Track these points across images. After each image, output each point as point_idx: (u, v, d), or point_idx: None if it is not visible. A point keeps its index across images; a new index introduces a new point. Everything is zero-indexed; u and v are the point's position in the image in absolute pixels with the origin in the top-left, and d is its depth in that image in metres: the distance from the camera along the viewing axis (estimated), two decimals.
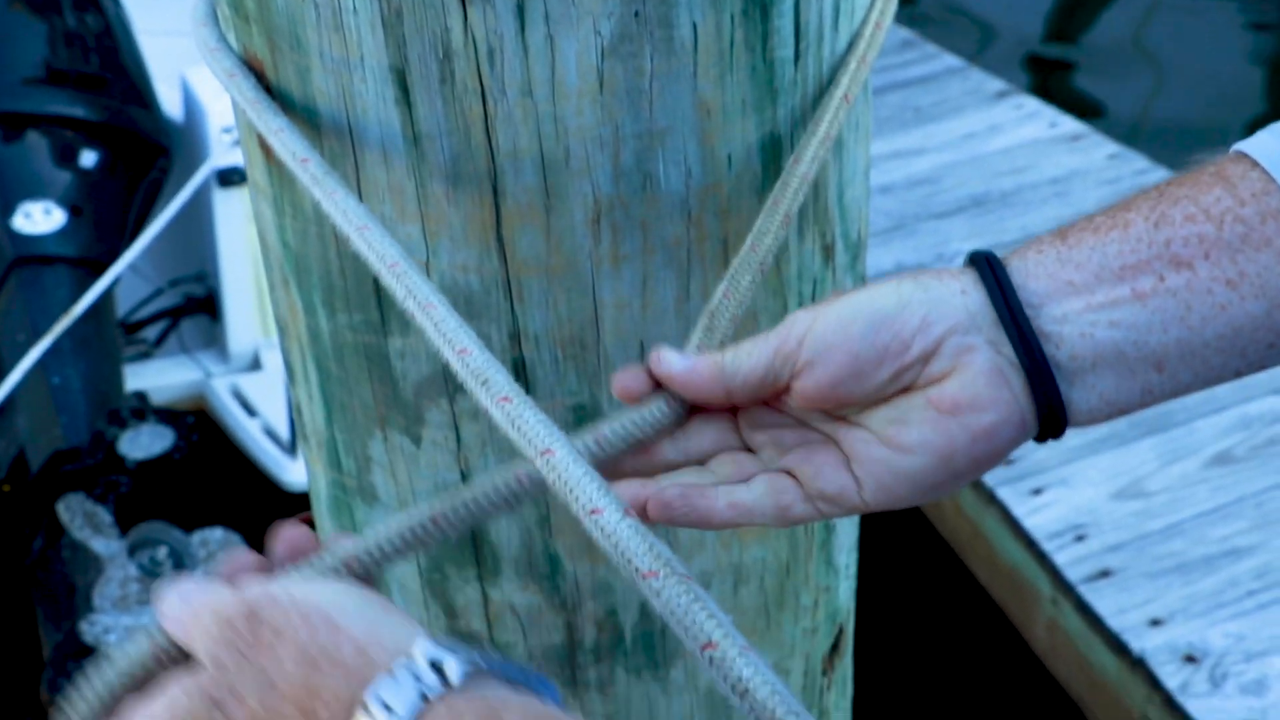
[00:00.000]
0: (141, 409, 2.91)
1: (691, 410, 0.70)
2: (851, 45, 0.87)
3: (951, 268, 0.67)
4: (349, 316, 0.87)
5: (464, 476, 0.89)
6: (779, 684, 0.51)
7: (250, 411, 3.07)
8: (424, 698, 0.52)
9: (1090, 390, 0.64)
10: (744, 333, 0.87)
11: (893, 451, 0.65)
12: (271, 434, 2.98)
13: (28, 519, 2.78)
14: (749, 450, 0.71)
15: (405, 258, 0.71)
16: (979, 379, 0.64)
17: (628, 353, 0.85)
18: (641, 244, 0.82)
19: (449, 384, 0.86)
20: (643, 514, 0.67)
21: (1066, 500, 2.62)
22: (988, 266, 0.65)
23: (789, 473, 0.68)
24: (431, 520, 0.65)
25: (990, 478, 2.68)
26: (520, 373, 0.85)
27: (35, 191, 2.96)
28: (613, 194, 0.80)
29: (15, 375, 2.23)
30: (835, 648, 1.10)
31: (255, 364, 3.24)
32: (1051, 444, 2.37)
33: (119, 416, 2.86)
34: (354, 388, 0.90)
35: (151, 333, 3.39)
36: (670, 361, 0.69)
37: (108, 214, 3.02)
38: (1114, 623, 2.34)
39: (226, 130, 2.99)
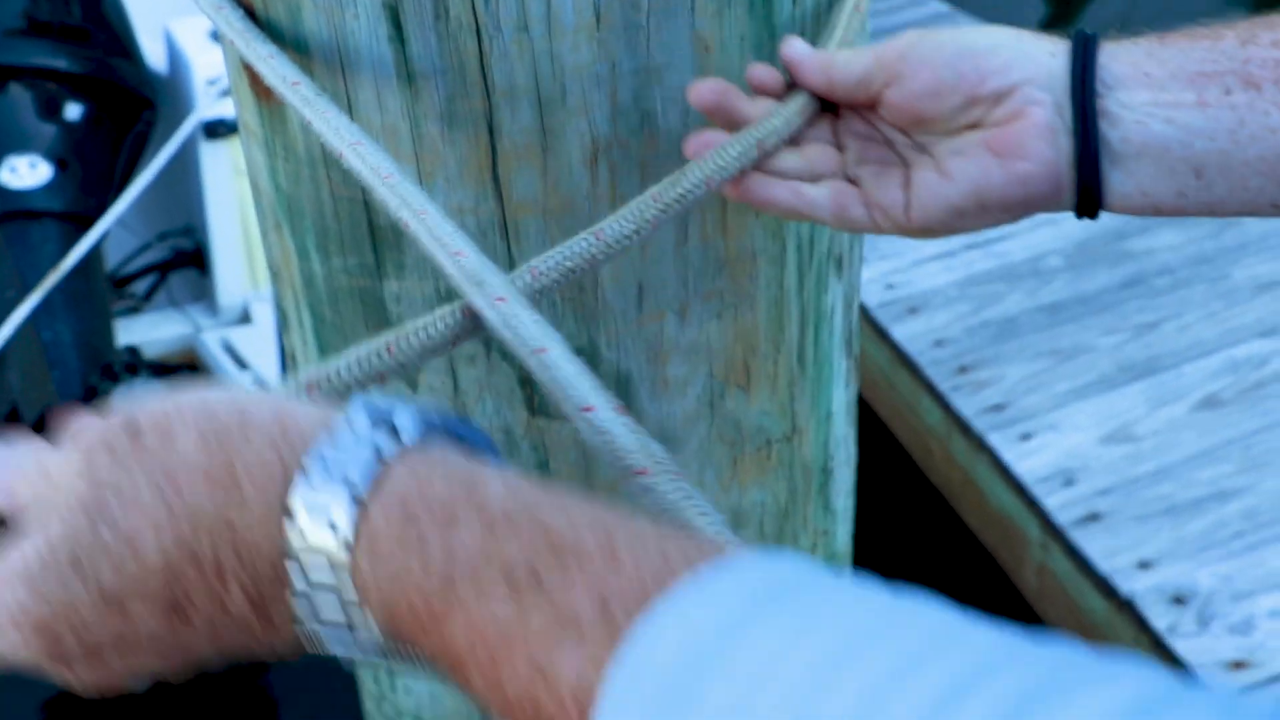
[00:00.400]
0: (134, 363, 2.89)
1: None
2: None
3: (1054, 36, 0.72)
4: (343, 260, 0.86)
5: None
6: None
7: (241, 364, 3.05)
8: (379, 457, 0.46)
9: (1130, 176, 0.68)
10: (742, 275, 0.87)
11: (938, 176, 0.71)
12: (263, 387, 2.97)
13: None
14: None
15: (399, 170, 0.71)
16: (1032, 130, 0.68)
17: (625, 296, 0.84)
18: (640, 184, 0.80)
19: None
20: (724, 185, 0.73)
21: (1055, 445, 2.62)
22: (1083, 42, 0.69)
23: (854, 182, 0.75)
24: (386, 348, 0.65)
25: (980, 423, 2.68)
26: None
27: (20, 145, 2.92)
28: (610, 133, 0.79)
29: (6, 331, 2.20)
30: None
31: (245, 317, 3.22)
32: (1040, 389, 2.38)
33: (112, 371, 2.84)
34: (349, 333, 0.89)
35: (140, 287, 3.37)
36: (797, 47, 0.75)
37: (94, 168, 2.98)
38: (1103, 566, 2.35)
39: (212, 82, 2.96)
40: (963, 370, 2.83)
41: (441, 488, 0.46)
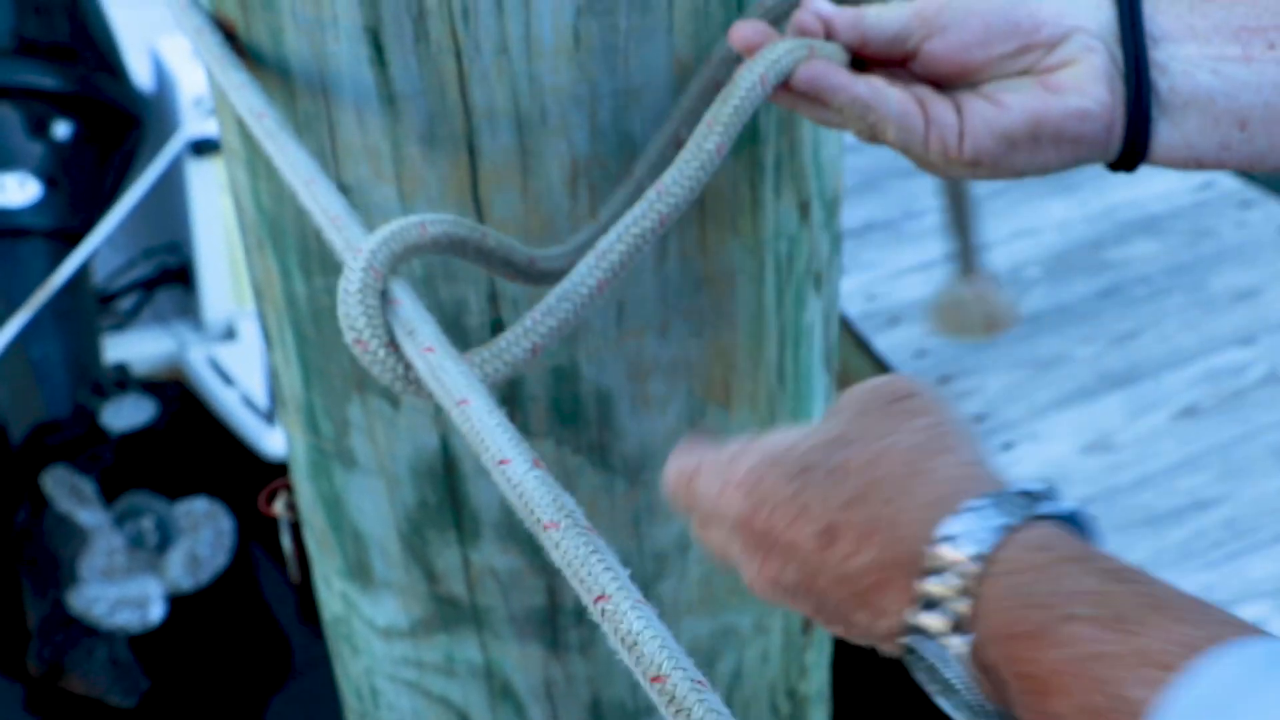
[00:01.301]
0: (124, 380, 2.89)
1: None
2: None
3: None
4: (325, 279, 0.86)
5: (443, 440, 0.89)
6: (669, 638, 0.50)
7: (227, 381, 3.05)
8: (1025, 514, 0.54)
9: (1176, 126, 0.69)
10: (721, 293, 0.87)
11: (993, 106, 0.70)
12: (250, 403, 2.97)
13: (10, 492, 2.76)
14: None
15: (348, 212, 0.70)
16: (1089, 73, 0.69)
17: (606, 313, 0.85)
18: (620, 204, 0.81)
19: None
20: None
21: (1036, 455, 2.63)
22: None
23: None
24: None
25: None
26: (499, 334, 0.84)
27: (8, 163, 2.92)
28: (590, 153, 0.79)
29: None
30: None
31: (230, 334, 3.22)
32: (1020, 399, 2.38)
33: (101, 388, 2.84)
34: (331, 352, 0.89)
35: (126, 304, 3.37)
36: (823, 5, 0.73)
37: (83, 185, 2.98)
38: None
39: (199, 100, 2.96)
40: (944, 380, 2.84)
41: (1070, 544, 0.53)
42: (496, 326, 0.84)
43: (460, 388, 0.61)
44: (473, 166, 0.79)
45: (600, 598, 0.51)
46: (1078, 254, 3.11)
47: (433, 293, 0.83)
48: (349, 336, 0.64)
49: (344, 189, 0.82)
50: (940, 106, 0.71)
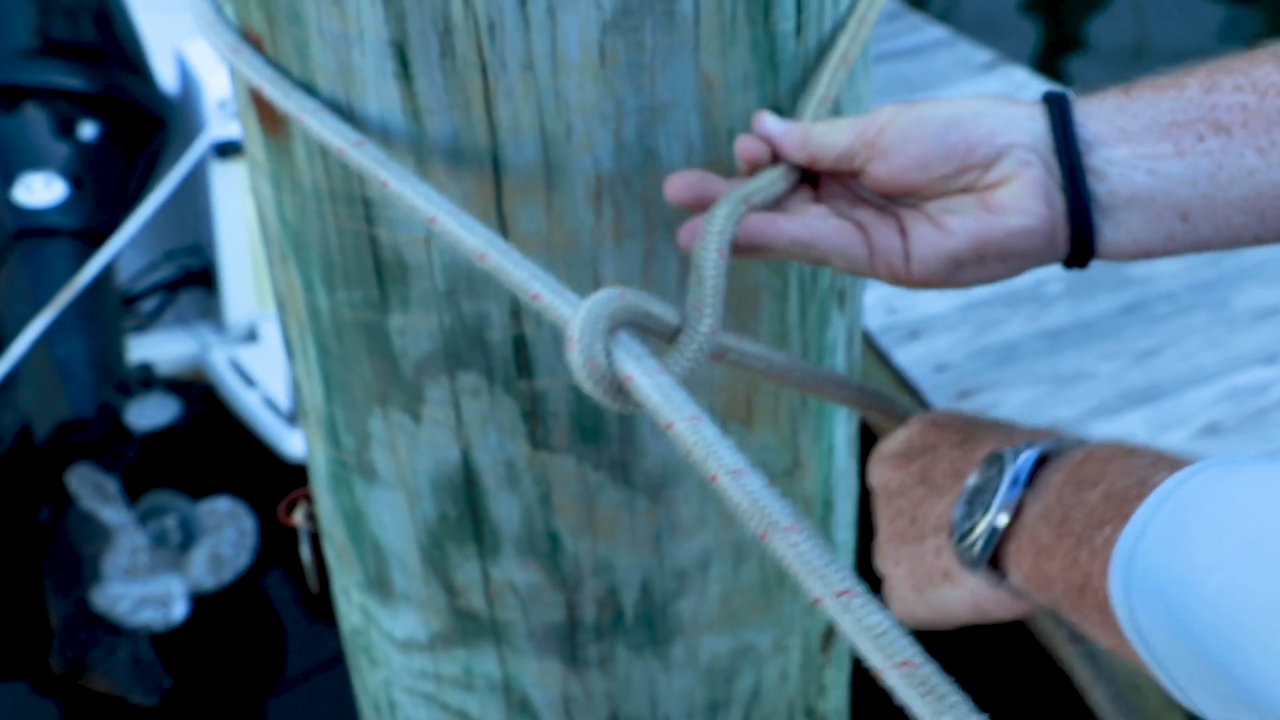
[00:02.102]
0: (149, 379, 2.90)
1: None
2: (852, 6, 0.86)
3: (1026, 99, 0.74)
4: (348, 293, 0.86)
5: (464, 454, 0.89)
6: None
7: (249, 383, 3.06)
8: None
9: (1120, 227, 0.71)
10: (745, 310, 0.87)
11: (938, 230, 0.73)
12: (271, 405, 2.98)
13: (34, 490, 2.77)
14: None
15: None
16: (1027, 189, 0.70)
17: None
18: (644, 220, 0.81)
19: (449, 361, 0.85)
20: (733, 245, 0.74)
21: None
22: (1056, 103, 0.72)
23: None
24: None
25: None
26: (521, 350, 0.84)
27: (35, 163, 2.93)
28: (614, 170, 0.79)
29: (19, 347, 2.21)
30: (834, 625, 1.10)
31: (252, 336, 3.23)
32: (1040, 415, 2.39)
33: (126, 387, 2.85)
34: (353, 365, 0.89)
35: (149, 305, 3.38)
36: (770, 123, 0.76)
37: (108, 186, 2.99)
38: None
39: (223, 103, 2.98)
40: (964, 395, 2.83)
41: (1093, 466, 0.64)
42: (519, 342, 0.84)
43: (688, 404, 0.64)
44: (497, 182, 0.79)
45: (843, 593, 0.53)
46: (1100, 270, 3.07)
47: (455, 307, 0.83)
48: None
49: (367, 203, 0.82)
50: (884, 232, 0.74)
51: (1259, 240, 0.71)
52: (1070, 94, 0.73)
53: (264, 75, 0.79)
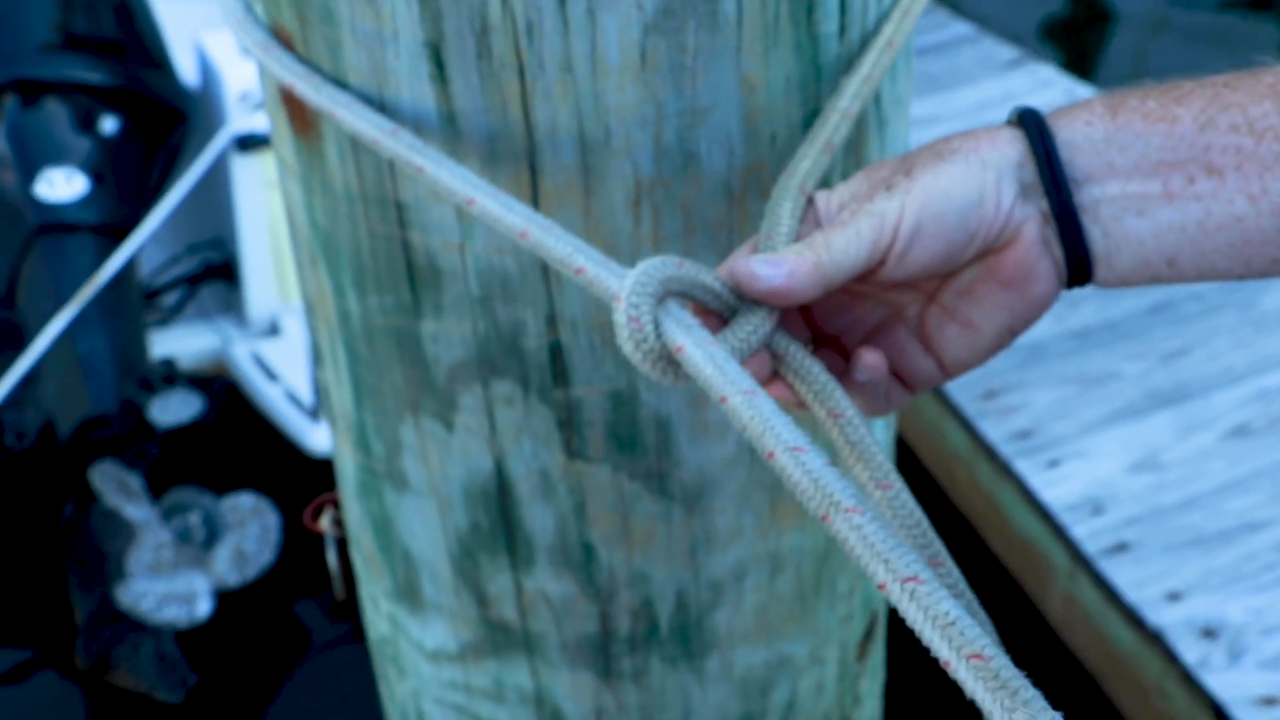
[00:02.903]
0: (171, 375, 2.89)
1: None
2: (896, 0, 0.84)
3: (1004, 130, 0.70)
4: (380, 299, 0.84)
5: (497, 463, 0.87)
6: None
7: (271, 376, 3.06)
8: None
9: (1110, 268, 0.68)
10: None
11: (965, 331, 0.71)
12: (294, 399, 2.97)
13: (58, 487, 2.77)
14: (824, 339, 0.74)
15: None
16: (1031, 249, 0.68)
17: None
18: (683, 225, 0.79)
19: (483, 368, 0.83)
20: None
21: (1083, 473, 2.60)
22: (1039, 137, 0.68)
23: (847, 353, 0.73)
24: None
25: (1006, 449, 2.66)
26: (557, 358, 0.82)
27: (56, 158, 2.93)
28: (654, 174, 0.77)
29: (42, 343, 2.20)
30: (869, 634, 1.08)
31: (274, 329, 3.23)
32: (1067, 416, 2.37)
33: (149, 383, 2.84)
34: (384, 371, 0.88)
35: (170, 299, 3.38)
36: (766, 275, 0.67)
37: (129, 180, 2.99)
38: (1131, 596, 2.32)
39: (244, 96, 2.96)
40: (989, 395, 2.80)
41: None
42: (555, 349, 0.82)
43: (743, 377, 0.61)
44: (534, 186, 0.77)
45: (910, 579, 0.51)
46: None
47: (489, 314, 0.81)
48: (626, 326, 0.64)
49: (400, 206, 0.80)
50: (917, 360, 0.72)
51: (1240, 279, 0.69)
52: (1043, 116, 0.69)
53: (295, 72, 0.77)
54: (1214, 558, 2.39)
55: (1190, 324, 2.96)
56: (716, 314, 0.68)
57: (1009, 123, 0.70)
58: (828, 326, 0.74)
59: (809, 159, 0.74)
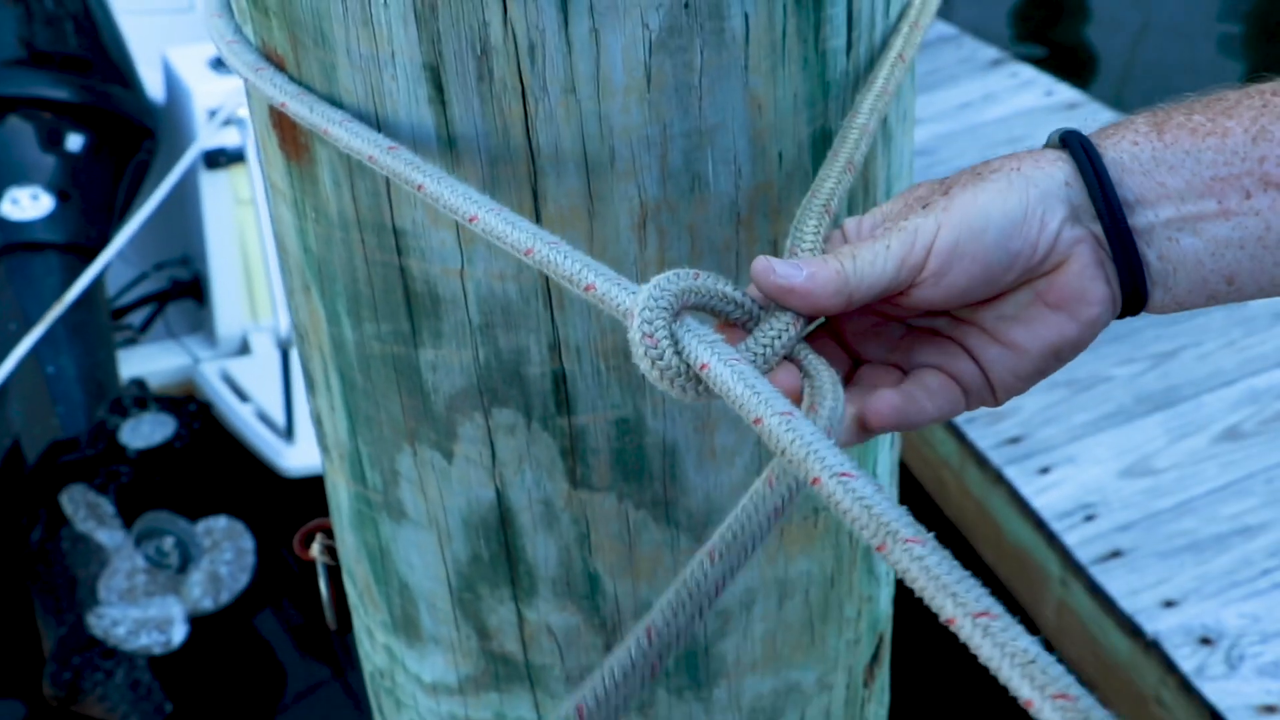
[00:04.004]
0: (143, 397, 2.85)
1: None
2: (904, 11, 0.82)
3: (1047, 151, 0.67)
4: (376, 326, 0.82)
5: (499, 494, 0.85)
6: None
7: (243, 397, 3.02)
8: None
9: (1167, 291, 0.66)
10: None
11: (1009, 351, 0.67)
12: (266, 419, 2.93)
13: (25, 511, 2.72)
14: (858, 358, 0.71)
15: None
16: (1085, 271, 0.65)
17: None
18: (689, 248, 0.77)
19: (484, 397, 0.81)
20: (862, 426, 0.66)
21: (1074, 479, 2.58)
22: (1086, 158, 0.65)
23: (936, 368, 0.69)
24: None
25: (997, 457, 2.64)
26: (561, 385, 0.80)
27: (21, 177, 2.88)
28: (660, 196, 0.75)
29: (8, 365, 2.17)
30: (876, 657, 1.06)
31: (244, 348, 3.19)
32: (1057, 421, 2.36)
33: (121, 405, 2.79)
34: (381, 400, 0.85)
35: (137, 318, 3.33)
36: (784, 273, 0.65)
37: (95, 198, 2.95)
38: (1126, 604, 2.31)
39: (212, 112, 2.93)
40: None
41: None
42: (558, 377, 0.79)
43: (777, 397, 0.58)
44: (536, 210, 0.75)
45: (982, 614, 0.49)
46: None
47: (490, 341, 0.79)
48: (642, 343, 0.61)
49: (398, 233, 0.77)
50: (965, 367, 0.68)
51: None
52: (1087, 136, 0.66)
53: (288, 92, 0.75)
54: (1209, 563, 2.38)
55: (1179, 325, 2.95)
56: (739, 324, 0.66)
57: (1049, 144, 0.68)
58: (860, 349, 0.71)
59: (832, 178, 0.72)
